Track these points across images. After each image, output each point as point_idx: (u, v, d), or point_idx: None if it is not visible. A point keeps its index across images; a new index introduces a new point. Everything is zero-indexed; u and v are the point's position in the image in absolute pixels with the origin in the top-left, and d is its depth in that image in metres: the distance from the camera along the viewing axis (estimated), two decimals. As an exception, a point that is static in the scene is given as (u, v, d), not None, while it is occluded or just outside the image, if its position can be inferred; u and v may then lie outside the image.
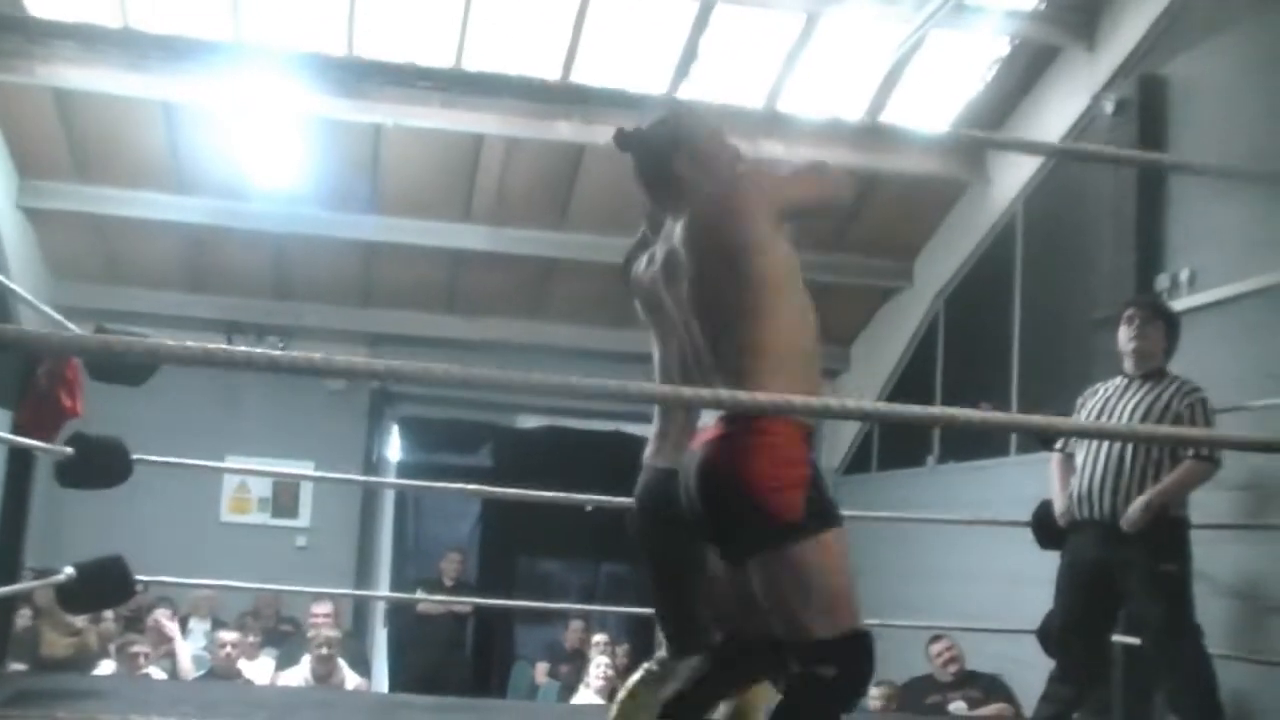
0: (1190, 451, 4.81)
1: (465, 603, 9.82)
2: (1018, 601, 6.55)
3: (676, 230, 3.09)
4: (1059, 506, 5.18)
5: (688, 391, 2.23)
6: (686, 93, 7.85)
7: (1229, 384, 6.10)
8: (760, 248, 2.92)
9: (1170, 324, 5.14)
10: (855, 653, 2.85)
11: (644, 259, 3.41)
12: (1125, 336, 5.10)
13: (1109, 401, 5.05)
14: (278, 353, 1.92)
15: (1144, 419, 4.88)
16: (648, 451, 3.51)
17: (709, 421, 2.97)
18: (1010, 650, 7.21)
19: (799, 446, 2.86)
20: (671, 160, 3.16)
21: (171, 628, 8.06)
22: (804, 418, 2.87)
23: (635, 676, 3.60)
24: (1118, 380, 5.10)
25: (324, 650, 7.57)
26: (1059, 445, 5.29)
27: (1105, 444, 4.96)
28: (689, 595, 3.44)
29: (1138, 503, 4.80)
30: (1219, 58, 6.71)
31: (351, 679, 7.78)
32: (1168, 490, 4.81)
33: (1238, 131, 6.27)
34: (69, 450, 4.80)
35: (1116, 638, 5.94)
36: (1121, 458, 4.91)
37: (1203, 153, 6.42)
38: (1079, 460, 5.08)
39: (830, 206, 3.29)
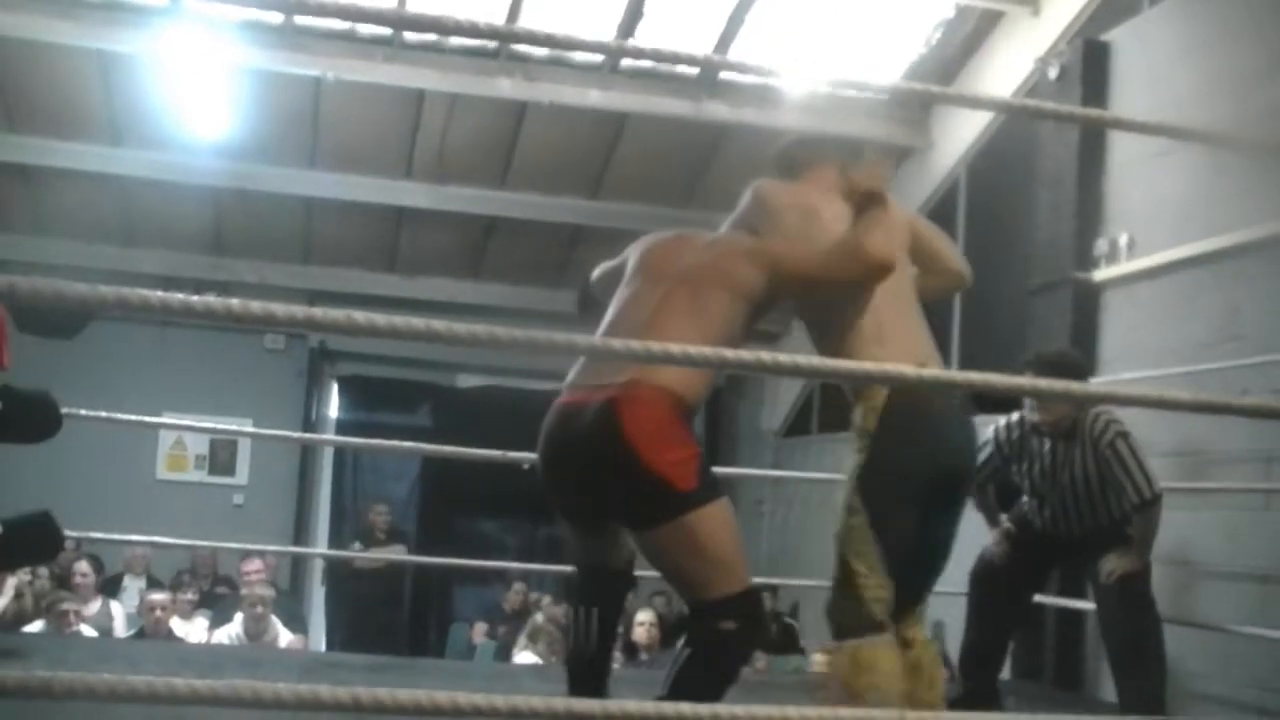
0: (1129, 504, 4.83)
1: (405, 561, 9.78)
2: (954, 564, 6.58)
3: None
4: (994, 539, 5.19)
5: (616, 343, 2.20)
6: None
7: (1166, 348, 6.15)
8: None
9: (1074, 379, 4.68)
10: (751, 608, 3.13)
11: None
12: (1029, 404, 5.00)
13: (1043, 459, 4.99)
14: (196, 299, 1.87)
15: (1084, 477, 4.88)
16: None
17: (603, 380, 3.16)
18: (941, 613, 7.26)
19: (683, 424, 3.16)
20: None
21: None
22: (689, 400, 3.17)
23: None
24: (1035, 441, 5.00)
25: (257, 609, 7.52)
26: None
27: (1060, 494, 4.96)
28: None
29: (1115, 569, 4.85)
30: (1162, 24, 6.72)
31: (285, 637, 7.72)
32: (1141, 549, 4.85)
33: (1178, 98, 6.29)
34: (-6, 403, 4.70)
35: (1048, 599, 6.02)
36: (1078, 506, 4.93)
37: (1144, 119, 6.44)
38: (1035, 507, 5.07)
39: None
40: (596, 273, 3.77)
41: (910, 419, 3.35)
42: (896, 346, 3.39)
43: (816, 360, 3.05)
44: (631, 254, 3.55)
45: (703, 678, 3.04)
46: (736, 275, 3.30)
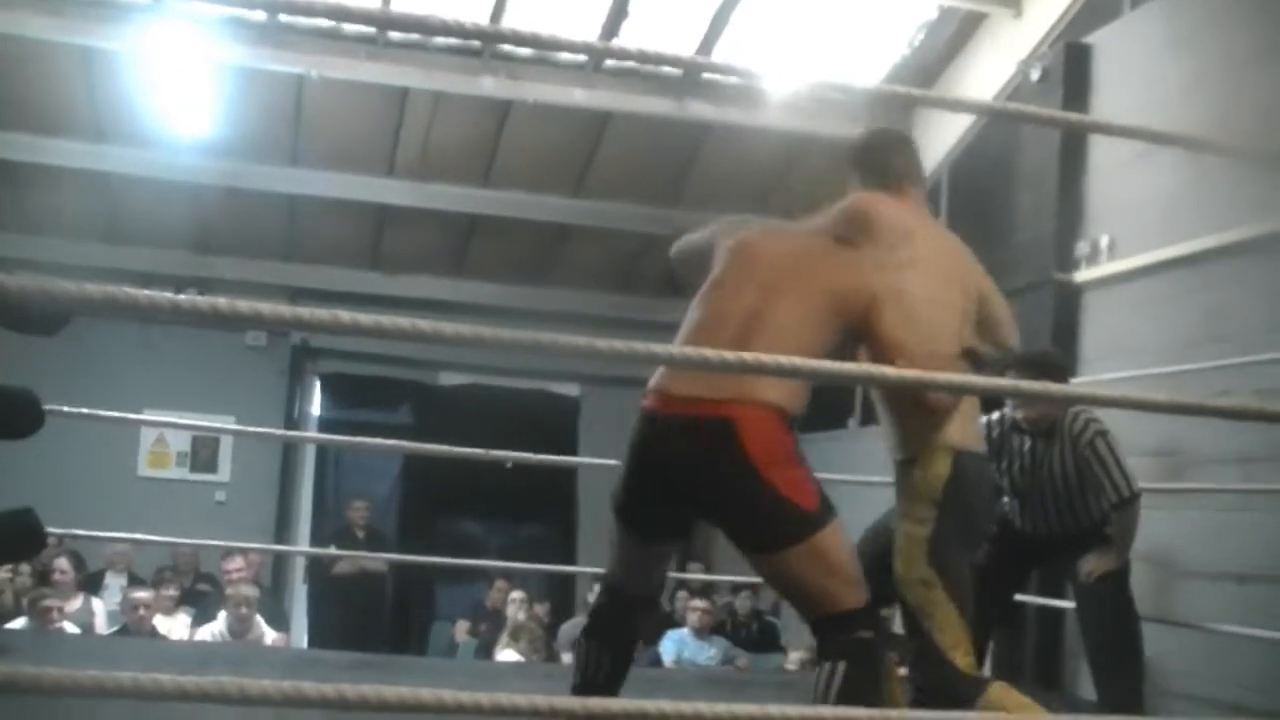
0: (1108, 503, 4.85)
1: (383, 559, 9.76)
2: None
3: None
4: None
5: (599, 343, 2.20)
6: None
7: (1146, 348, 6.19)
8: None
9: (1055, 378, 4.70)
10: (878, 617, 3.16)
11: None
12: (1010, 401, 4.99)
13: (1023, 457, 5.02)
14: (184, 298, 1.88)
15: (1064, 475, 4.90)
16: None
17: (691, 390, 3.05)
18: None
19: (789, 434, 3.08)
20: None
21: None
22: (793, 414, 3.07)
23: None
24: (1016, 439, 5.02)
25: (242, 608, 7.50)
26: None
27: (1040, 491, 5.00)
28: None
29: (1094, 568, 4.89)
30: (1143, 27, 6.76)
31: (269, 635, 7.72)
32: (1120, 548, 4.88)
33: (1159, 101, 6.32)
34: (-24, 400, 4.69)
35: (1029, 598, 6.05)
36: (1057, 504, 4.95)
37: (1125, 121, 6.48)
38: (1016, 508, 5.10)
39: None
40: (677, 247, 3.60)
41: (972, 481, 3.41)
42: (967, 419, 3.45)
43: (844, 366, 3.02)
44: (719, 243, 3.37)
45: (866, 688, 3.03)
46: (840, 296, 3.19)
